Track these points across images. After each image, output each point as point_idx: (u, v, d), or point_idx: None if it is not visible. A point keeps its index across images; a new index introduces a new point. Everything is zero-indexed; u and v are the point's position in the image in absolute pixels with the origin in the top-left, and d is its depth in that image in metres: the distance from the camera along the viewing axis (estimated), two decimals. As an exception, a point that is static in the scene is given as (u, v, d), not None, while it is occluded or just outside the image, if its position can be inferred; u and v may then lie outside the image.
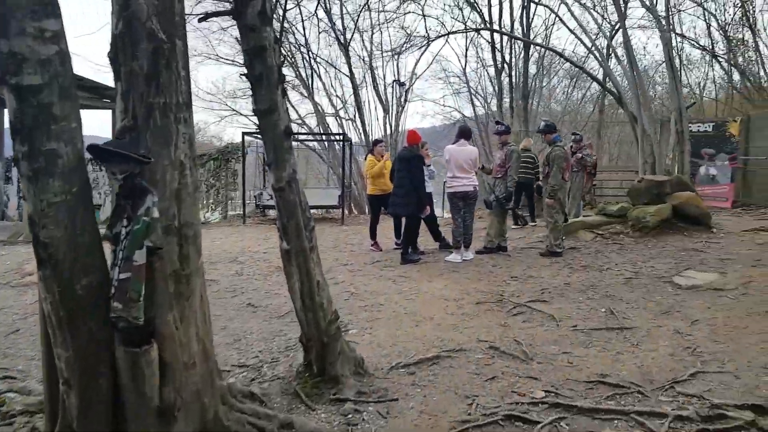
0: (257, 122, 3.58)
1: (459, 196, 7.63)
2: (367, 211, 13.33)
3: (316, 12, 19.14)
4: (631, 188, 9.53)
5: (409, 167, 7.32)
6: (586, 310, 5.32)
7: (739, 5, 13.71)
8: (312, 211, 12.82)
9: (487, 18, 17.33)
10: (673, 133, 9.98)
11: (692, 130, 12.99)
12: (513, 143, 8.22)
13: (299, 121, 21.20)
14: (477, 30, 16.12)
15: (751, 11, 13.97)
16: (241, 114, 20.36)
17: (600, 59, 11.64)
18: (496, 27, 16.31)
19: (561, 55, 13.71)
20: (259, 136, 16.24)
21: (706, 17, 14.86)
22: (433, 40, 15.57)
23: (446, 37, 20.22)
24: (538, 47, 18.44)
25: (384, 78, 20.82)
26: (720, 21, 14.22)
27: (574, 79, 24.53)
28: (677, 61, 11.44)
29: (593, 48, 12.15)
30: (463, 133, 7.80)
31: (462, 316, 5.23)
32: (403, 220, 7.90)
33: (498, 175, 8.09)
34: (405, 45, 20.84)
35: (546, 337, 4.60)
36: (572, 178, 10.71)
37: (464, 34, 20.61)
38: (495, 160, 8.35)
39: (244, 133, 13.85)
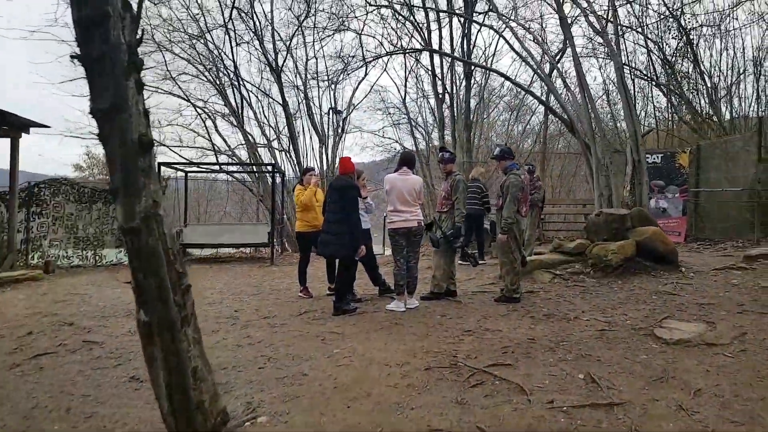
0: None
1: (401, 232, 6.61)
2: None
3: (237, 33, 18.03)
4: (588, 223, 8.78)
5: (342, 199, 6.26)
6: (560, 376, 4.32)
7: (681, 35, 13.60)
8: (240, 250, 11.35)
9: (427, 43, 16.76)
10: (629, 163, 9.39)
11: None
12: (459, 172, 7.31)
13: (229, 152, 19.84)
14: (417, 50, 15.44)
15: (694, 41, 13.93)
16: (164, 145, 18.77)
17: (548, 84, 11.05)
18: (437, 52, 15.63)
19: (505, 77, 13.10)
20: (179, 166, 14.90)
21: (648, 47, 14.73)
22: (371, 61, 14.80)
23: (386, 60, 19.58)
24: (479, 76, 18.03)
25: (320, 107, 19.78)
26: (663, 51, 14.09)
27: (515, 112, 24.37)
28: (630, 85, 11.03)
29: (539, 70, 11.58)
30: (407, 161, 6.83)
31: (407, 390, 4.13)
32: (337, 261, 6.79)
33: (444, 208, 7.13)
34: (342, 73, 20.16)
35: (517, 421, 3.55)
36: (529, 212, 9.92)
37: (403, 64, 20.06)
38: (440, 192, 7.39)
39: (160, 164, 12.46)
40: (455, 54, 16.11)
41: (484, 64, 15.37)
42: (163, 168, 13.56)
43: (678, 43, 13.87)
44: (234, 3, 17.00)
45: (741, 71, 15.19)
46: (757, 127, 10.72)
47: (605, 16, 9.85)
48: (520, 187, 6.78)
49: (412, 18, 14.63)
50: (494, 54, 19.26)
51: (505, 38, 11.47)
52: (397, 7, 14.09)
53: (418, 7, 14.22)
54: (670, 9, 13.61)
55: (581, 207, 15.83)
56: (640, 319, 5.77)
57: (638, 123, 9.39)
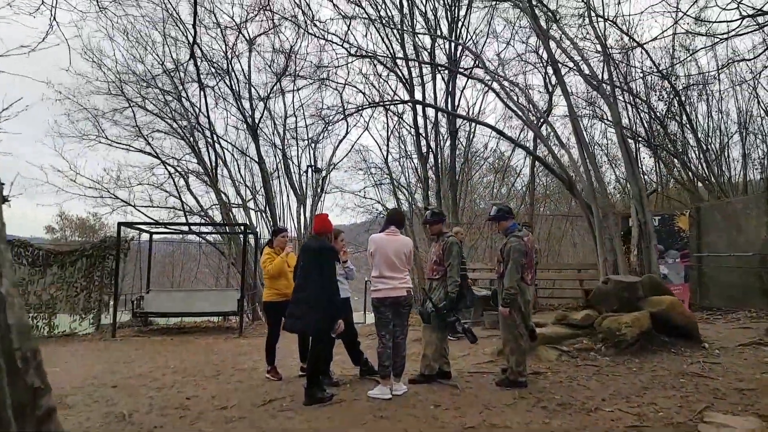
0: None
1: (388, 303, 5.67)
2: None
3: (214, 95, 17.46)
4: (596, 291, 7.92)
5: (316, 263, 5.32)
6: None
7: (672, 96, 13.28)
8: (206, 319, 10.10)
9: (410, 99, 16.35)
10: (634, 226, 8.65)
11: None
12: (450, 232, 6.44)
13: (201, 213, 18.85)
14: (401, 102, 14.87)
15: (685, 101, 13.59)
16: (131, 205, 17.70)
17: (541, 139, 10.38)
18: (420, 104, 15.06)
19: (494, 128, 12.43)
20: (142, 227, 13.88)
21: (636, 106, 14.38)
22: (352, 113, 14.16)
23: (368, 119, 19.12)
24: (463, 134, 17.53)
25: (299, 166, 19.05)
26: (654, 110, 13.74)
27: (500, 174, 23.91)
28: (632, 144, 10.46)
29: (530, 125, 10.95)
30: (394, 220, 5.98)
31: None
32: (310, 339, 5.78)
33: (435, 275, 6.21)
34: (323, 131, 19.59)
35: None
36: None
37: (385, 124, 19.64)
38: (430, 256, 6.49)
39: (120, 224, 11.47)
40: (438, 108, 15.66)
41: (470, 116, 14.80)
42: (125, 228, 12.55)
43: (669, 104, 13.54)
44: (208, 58, 16.50)
45: (731, 134, 14.92)
46: (765, 190, 10.14)
47: (600, 76, 9.35)
48: (523, 251, 5.86)
49: (396, 70, 14.15)
50: (479, 113, 18.81)
51: (494, 90, 10.82)
52: (380, 57, 13.62)
53: (401, 58, 13.76)
54: (660, 69, 13.33)
55: (575, 272, 15.01)
56: (674, 411, 4.83)
57: (642, 183, 8.73)
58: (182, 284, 27.01)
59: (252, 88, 16.93)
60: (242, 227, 13.35)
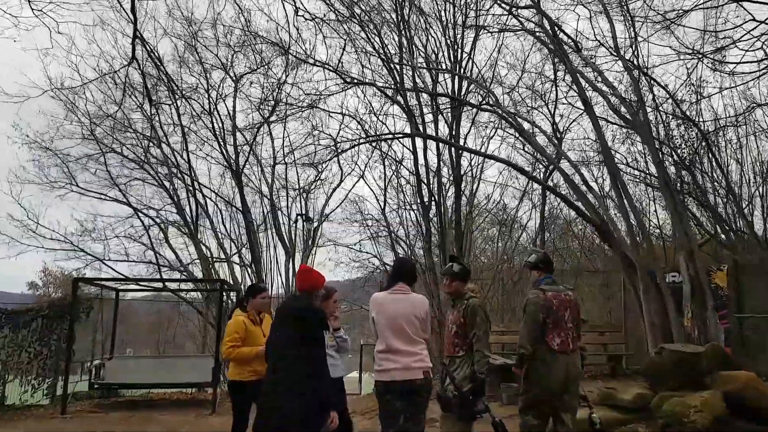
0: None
1: (396, 390, 4.24)
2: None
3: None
4: (649, 364, 6.53)
5: (296, 332, 3.90)
6: None
7: (700, 140, 12.21)
8: (175, 390, 8.15)
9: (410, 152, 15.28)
10: (685, 282, 7.33)
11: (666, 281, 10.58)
12: (472, 293, 5.03)
13: (180, 269, 17.38)
14: (402, 136, 13.66)
15: (714, 146, 12.53)
16: (98, 259, 16.16)
17: (567, 180, 9.07)
18: (424, 137, 13.87)
19: (510, 164, 11.17)
20: (102, 283, 12.45)
21: (660, 150, 13.30)
22: (345, 150, 12.87)
23: (363, 168, 17.94)
24: (466, 184, 16.35)
25: (288, 217, 17.75)
26: (680, 156, 12.66)
27: (503, 227, 22.65)
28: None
29: (551, 159, 9.67)
30: (403, 272, 4.62)
31: None
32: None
33: (458, 351, 4.80)
34: (315, 180, 18.40)
35: None
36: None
37: (382, 173, 18.44)
38: (447, 325, 5.06)
39: (76, 280, 10.04)
40: (442, 158, 14.54)
41: (476, 158, 13.59)
42: (86, 286, 11.10)
43: (696, 149, 12.47)
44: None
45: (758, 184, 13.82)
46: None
47: (635, 106, 8.24)
48: (540, 305, 4.85)
49: (397, 99, 13.04)
50: (483, 162, 17.68)
51: (507, 119, 9.60)
52: (379, 85, 12.50)
53: (401, 89, 12.66)
54: (684, 111, 12.31)
55: (597, 335, 13.53)
56: None
57: (692, 231, 7.48)
58: (172, 346, 25.10)
59: (237, 132, 15.77)
60: (218, 284, 11.86)
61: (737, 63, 11.28)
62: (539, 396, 4.84)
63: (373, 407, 10.37)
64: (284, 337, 4.00)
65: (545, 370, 4.78)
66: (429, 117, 14.26)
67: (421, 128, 14.76)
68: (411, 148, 15.04)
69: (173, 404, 11.39)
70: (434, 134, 14.24)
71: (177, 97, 15.38)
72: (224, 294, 11.16)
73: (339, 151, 12.25)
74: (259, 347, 4.97)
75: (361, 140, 11.97)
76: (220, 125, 16.08)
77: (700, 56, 10.67)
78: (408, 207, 18.70)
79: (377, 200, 19.54)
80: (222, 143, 15.86)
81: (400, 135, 13.57)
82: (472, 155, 16.82)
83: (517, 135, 11.26)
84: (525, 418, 4.97)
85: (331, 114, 15.42)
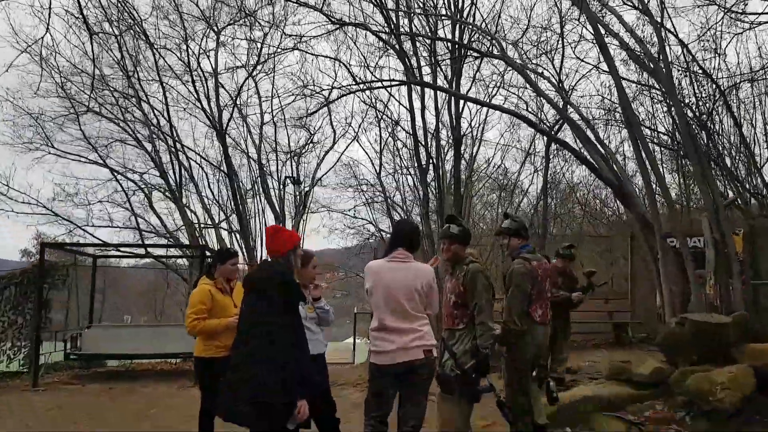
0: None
1: (390, 373, 3.68)
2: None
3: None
4: (667, 335, 5.96)
5: (265, 305, 3.28)
6: None
7: (718, 96, 11.47)
8: (159, 360, 7.49)
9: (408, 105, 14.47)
10: (709, 246, 6.74)
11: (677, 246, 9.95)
12: (472, 258, 4.41)
13: (166, 235, 16.73)
14: (398, 83, 12.83)
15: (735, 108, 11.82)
16: (74, 224, 15.43)
17: (589, 126, 8.25)
18: (422, 85, 13.03)
19: (516, 113, 10.39)
20: (76, 248, 11.86)
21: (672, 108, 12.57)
22: (333, 101, 12.04)
23: (357, 128, 17.20)
24: (465, 147, 15.61)
25: (279, 181, 17.02)
26: (696, 114, 11.93)
27: (503, 192, 22.00)
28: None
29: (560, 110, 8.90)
30: (402, 236, 3.99)
31: None
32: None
33: (458, 325, 4.20)
34: (307, 144, 17.66)
35: None
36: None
37: (377, 136, 17.71)
38: (445, 294, 4.43)
39: (43, 245, 9.40)
40: (440, 116, 13.74)
41: (480, 100, 12.74)
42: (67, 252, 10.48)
43: (712, 105, 11.74)
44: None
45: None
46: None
47: (657, 56, 7.47)
48: (529, 276, 4.54)
49: (393, 44, 12.16)
50: (484, 123, 16.94)
51: (516, 67, 8.77)
52: (372, 27, 11.61)
53: (395, 32, 11.74)
54: (702, 66, 11.55)
55: (603, 302, 13.02)
56: None
57: (718, 190, 6.85)
58: (166, 314, 24.52)
59: (220, 88, 14.88)
60: (200, 250, 11.24)
61: (759, 13, 10.55)
62: (523, 371, 4.54)
63: (366, 378, 9.93)
64: (250, 310, 3.40)
65: (528, 344, 4.51)
66: (427, 70, 13.45)
67: (419, 88, 13.98)
68: (408, 107, 14.28)
69: (157, 375, 10.91)
70: (432, 91, 13.45)
71: (156, 48, 14.47)
72: (203, 261, 10.52)
73: (329, 100, 11.44)
74: (228, 319, 4.39)
75: (352, 87, 11.14)
76: (203, 80, 15.26)
77: (719, 6, 9.92)
78: (405, 171, 18.07)
79: (372, 164, 18.88)
80: (206, 100, 15.03)
81: (396, 83, 12.69)
82: (473, 115, 16.08)
83: (526, 86, 10.45)
84: (519, 400, 4.49)
85: (318, 57, 14.59)
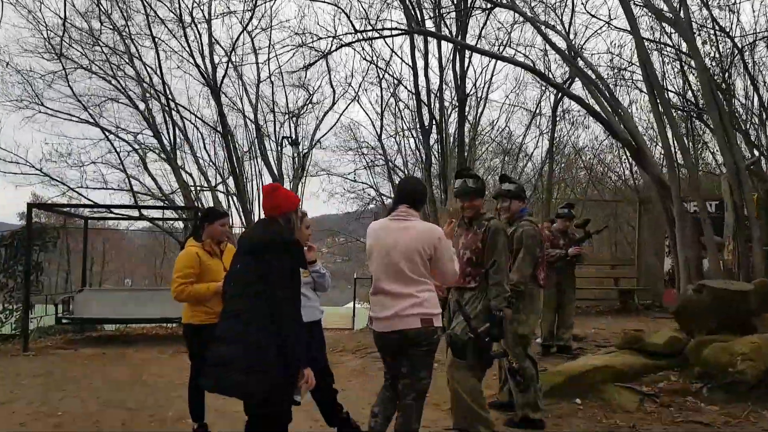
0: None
1: (385, 342, 3.42)
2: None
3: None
4: (683, 302, 5.68)
5: (262, 269, 2.97)
6: None
7: (735, 53, 11.02)
8: (154, 325, 7.18)
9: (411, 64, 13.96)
10: (729, 209, 6.43)
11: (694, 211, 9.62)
12: (490, 213, 4.14)
13: (161, 197, 16.40)
14: (399, 32, 12.23)
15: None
16: (64, 184, 15.07)
17: (602, 81, 7.78)
18: (425, 33, 12.47)
19: (527, 66, 9.89)
20: (66, 209, 11.56)
21: (683, 67, 12.11)
22: (331, 52, 11.52)
23: (357, 88, 16.69)
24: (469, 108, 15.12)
25: (276, 143, 16.59)
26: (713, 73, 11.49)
27: (507, 156, 21.58)
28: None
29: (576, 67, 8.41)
30: (404, 193, 3.61)
31: None
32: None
33: (469, 283, 3.92)
34: (307, 103, 17.18)
35: None
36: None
37: (379, 98, 17.18)
38: (459, 250, 4.11)
39: (30, 205, 9.08)
40: (444, 75, 13.29)
41: (488, 51, 12.19)
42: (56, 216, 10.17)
43: (729, 63, 11.28)
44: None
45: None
46: None
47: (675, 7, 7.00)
48: (538, 239, 4.58)
49: None
50: (489, 82, 16.48)
51: (522, 13, 8.31)
52: None
53: None
54: (719, 23, 11.05)
55: (609, 268, 12.80)
56: None
57: (740, 150, 6.48)
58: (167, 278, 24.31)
59: (215, 44, 14.35)
60: (193, 212, 10.90)
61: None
62: (527, 336, 4.49)
63: (366, 344, 9.70)
64: (242, 275, 3.09)
65: (533, 307, 4.61)
66: (430, 24, 12.90)
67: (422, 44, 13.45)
68: (411, 63, 13.79)
69: (151, 340, 10.71)
70: (436, 48, 12.94)
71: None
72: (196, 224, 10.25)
73: (328, 50, 10.96)
74: (218, 283, 4.08)
75: (350, 35, 10.64)
76: (196, 35, 14.71)
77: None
78: (407, 133, 17.63)
79: (373, 126, 18.39)
80: (200, 57, 14.49)
81: (399, 32, 12.12)
82: (477, 75, 15.59)
83: (533, 44, 10.03)
84: (525, 365, 4.32)
85: (317, 10, 14.03)
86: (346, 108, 24.23)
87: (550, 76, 14.94)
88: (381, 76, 16.46)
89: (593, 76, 7.52)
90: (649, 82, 6.33)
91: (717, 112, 6.10)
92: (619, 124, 6.83)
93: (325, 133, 17.53)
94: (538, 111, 17.28)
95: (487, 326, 3.65)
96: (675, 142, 6.98)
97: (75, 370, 7.55)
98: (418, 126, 14.36)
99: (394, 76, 16.02)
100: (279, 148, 16.15)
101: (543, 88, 15.93)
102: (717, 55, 11.60)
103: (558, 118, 16.61)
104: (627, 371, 5.27)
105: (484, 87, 16.75)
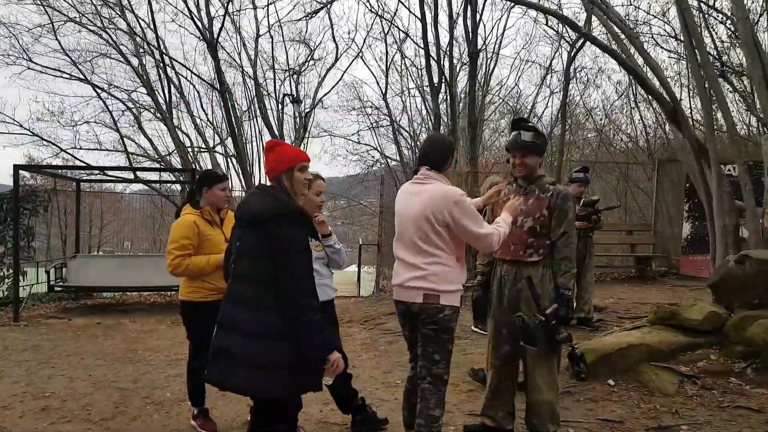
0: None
1: (398, 310, 3.27)
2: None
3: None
4: (724, 274, 5.28)
5: (267, 246, 2.55)
6: None
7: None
8: (144, 294, 6.73)
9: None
10: (766, 170, 5.99)
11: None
12: (549, 176, 3.63)
13: (157, 159, 15.89)
14: None
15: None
16: (55, 144, 14.55)
17: (628, 33, 7.01)
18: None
19: (545, 9, 9.23)
20: (50, 170, 11.08)
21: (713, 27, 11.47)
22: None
23: (361, 44, 16.07)
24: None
25: (277, 101, 16.01)
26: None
27: (514, 117, 20.98)
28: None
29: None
30: (422, 154, 3.23)
31: None
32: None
33: (530, 256, 3.42)
34: (308, 60, 16.53)
35: None
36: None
37: (383, 53, 16.51)
38: (505, 215, 3.60)
39: (17, 167, 8.62)
40: (455, 30, 12.63)
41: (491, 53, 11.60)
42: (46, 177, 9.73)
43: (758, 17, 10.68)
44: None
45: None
46: None
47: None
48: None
49: None
50: (501, 37, 15.89)
51: None
52: None
53: None
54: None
55: (625, 234, 12.38)
56: None
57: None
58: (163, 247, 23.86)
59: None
60: (189, 174, 10.43)
61: None
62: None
63: (373, 315, 9.37)
64: (244, 253, 2.67)
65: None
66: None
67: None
68: (419, 15, 13.11)
69: (148, 308, 10.38)
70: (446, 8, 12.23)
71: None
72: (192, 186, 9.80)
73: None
74: (219, 255, 3.66)
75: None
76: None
77: None
78: (413, 92, 17.02)
79: (378, 84, 17.75)
80: (195, 8, 13.76)
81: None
82: (488, 32, 14.90)
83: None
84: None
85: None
86: (350, 65, 23.55)
87: (566, 31, 14.35)
88: (386, 32, 15.82)
89: (615, 29, 6.96)
90: (688, 31, 5.80)
91: (761, 67, 5.60)
92: (656, 73, 6.31)
93: (328, 92, 16.96)
94: (550, 67, 16.61)
95: (555, 307, 3.26)
96: (716, 100, 6.46)
97: (66, 343, 7.20)
98: (426, 84, 13.73)
99: (400, 29, 15.35)
100: (280, 107, 15.59)
101: (557, 44, 15.29)
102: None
103: (570, 77, 16.03)
104: (663, 349, 4.90)
105: (495, 42, 16.20)
